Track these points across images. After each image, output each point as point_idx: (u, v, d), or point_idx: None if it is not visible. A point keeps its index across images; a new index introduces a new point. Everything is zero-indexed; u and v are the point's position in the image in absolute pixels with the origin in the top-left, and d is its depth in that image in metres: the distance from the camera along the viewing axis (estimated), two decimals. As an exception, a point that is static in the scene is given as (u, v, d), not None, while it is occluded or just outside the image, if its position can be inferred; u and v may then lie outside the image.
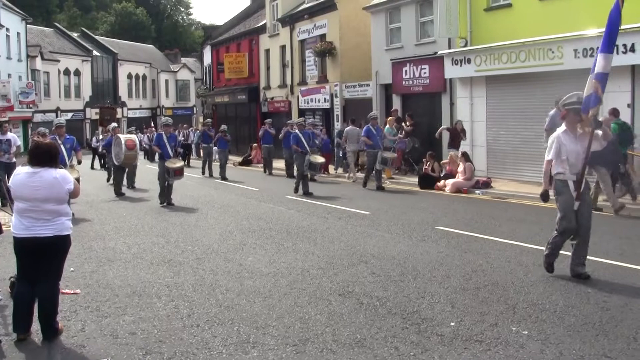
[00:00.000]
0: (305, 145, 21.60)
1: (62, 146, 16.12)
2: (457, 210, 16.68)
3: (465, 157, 21.44)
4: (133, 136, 24.28)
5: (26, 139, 46.81)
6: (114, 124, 27.88)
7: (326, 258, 11.12)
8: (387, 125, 26.11)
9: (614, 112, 16.77)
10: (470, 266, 10.22)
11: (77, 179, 11.81)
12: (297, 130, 22.49)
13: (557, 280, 9.20)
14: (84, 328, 7.65)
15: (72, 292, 9.16)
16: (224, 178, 27.65)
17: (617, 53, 18.12)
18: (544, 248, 10.20)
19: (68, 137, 17.24)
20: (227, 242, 12.89)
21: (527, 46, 21.07)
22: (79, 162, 17.66)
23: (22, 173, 7.23)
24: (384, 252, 11.51)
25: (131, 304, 8.59)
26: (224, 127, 31.64)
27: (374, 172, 22.09)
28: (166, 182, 19.06)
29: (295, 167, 23.62)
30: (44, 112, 58.02)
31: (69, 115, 58.36)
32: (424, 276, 9.64)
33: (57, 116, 57.39)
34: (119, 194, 21.75)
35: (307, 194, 20.58)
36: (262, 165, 32.80)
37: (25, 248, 7.17)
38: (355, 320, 7.69)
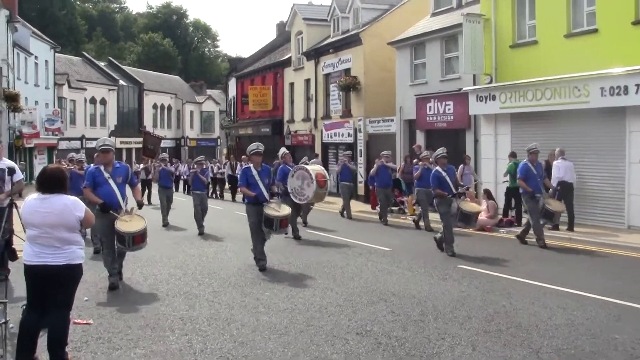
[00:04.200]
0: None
1: (110, 180, 11.45)
2: (480, 249, 16.39)
3: (488, 194, 21.19)
4: (322, 169, 20.27)
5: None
6: (284, 150, 21.91)
7: (345, 295, 10.90)
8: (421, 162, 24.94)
9: (513, 154, 21.22)
10: (493, 307, 9.96)
11: (143, 233, 11.37)
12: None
13: (583, 324, 8.91)
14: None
15: (84, 322, 9.05)
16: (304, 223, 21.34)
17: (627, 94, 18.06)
18: (568, 290, 9.93)
19: (118, 164, 11.94)
20: (245, 276, 12.72)
21: (553, 84, 20.85)
22: (140, 206, 11.95)
23: (32, 199, 7.15)
24: (405, 290, 11.27)
25: (144, 336, 8.43)
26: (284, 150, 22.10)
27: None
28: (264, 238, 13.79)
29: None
30: (69, 139, 58.51)
31: (94, 144, 58.57)
32: (445, 316, 9.40)
33: (82, 145, 58.20)
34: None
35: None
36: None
37: (35, 276, 7.06)
38: (372, 361, 7.48)
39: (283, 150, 21.26)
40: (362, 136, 33.55)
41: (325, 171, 20.25)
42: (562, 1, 21.07)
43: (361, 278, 12.41)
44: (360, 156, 33.43)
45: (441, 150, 16.14)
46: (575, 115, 20.56)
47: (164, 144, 72.83)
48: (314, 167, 19.79)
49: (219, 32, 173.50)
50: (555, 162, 19.83)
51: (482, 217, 20.36)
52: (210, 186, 35.09)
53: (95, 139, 56.24)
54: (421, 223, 20.56)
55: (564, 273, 12.74)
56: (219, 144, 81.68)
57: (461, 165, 22.48)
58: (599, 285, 11.62)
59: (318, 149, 37.27)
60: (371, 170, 23.24)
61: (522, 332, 8.57)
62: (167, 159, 25.56)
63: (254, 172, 13.58)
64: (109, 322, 9.16)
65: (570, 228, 18.76)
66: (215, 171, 37.66)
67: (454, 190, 15.54)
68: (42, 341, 7.19)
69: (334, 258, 14.85)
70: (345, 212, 24.65)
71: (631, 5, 18.90)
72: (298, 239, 18.00)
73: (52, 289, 7.06)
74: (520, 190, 17.18)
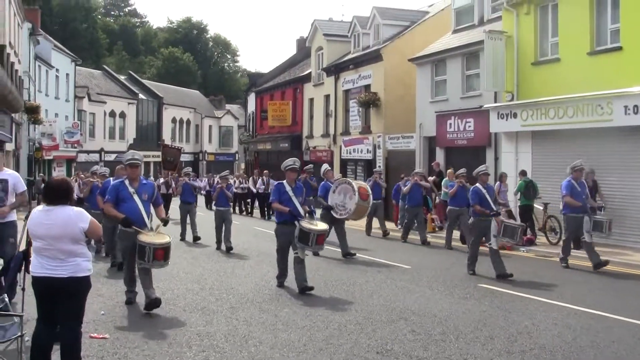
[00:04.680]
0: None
1: (135, 196, 10.81)
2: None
3: (509, 214, 20.96)
4: (365, 184, 19.90)
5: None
6: (327, 166, 20.80)
7: (364, 313, 10.74)
8: (447, 178, 24.00)
9: (523, 173, 22.02)
10: (515, 327, 9.77)
11: (166, 248, 10.54)
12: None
13: (609, 347, 8.72)
14: (110, 377, 7.38)
15: (100, 336, 8.94)
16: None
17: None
18: (591, 310, 9.72)
19: (145, 181, 11.44)
20: (263, 292, 12.59)
21: (575, 101, 20.66)
22: (165, 223, 11.02)
23: (37, 211, 7.10)
24: (425, 309, 11.09)
25: (160, 352, 8.31)
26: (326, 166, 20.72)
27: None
28: (300, 256, 12.74)
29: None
30: (87, 152, 58.80)
31: (112, 157, 58.76)
32: (467, 336, 9.22)
33: (100, 158, 58.44)
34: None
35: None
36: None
37: (41, 287, 7.01)
38: (393, 381, 7.32)
39: (325, 166, 20.39)
40: (381, 152, 33.40)
41: (368, 186, 19.70)
42: (586, 18, 20.92)
43: (380, 296, 12.25)
44: (383, 173, 33.25)
45: (484, 167, 15.69)
46: (598, 134, 20.38)
47: (183, 157, 73.50)
48: (357, 182, 19.40)
49: (239, 47, 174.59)
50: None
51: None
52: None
53: (115, 153, 56.42)
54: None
55: (588, 293, 12.54)
56: (237, 158, 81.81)
57: (497, 183, 22.04)
58: (623, 306, 11.41)
59: (337, 165, 37.17)
60: (404, 189, 22.53)
61: (546, 354, 8.39)
62: (191, 173, 24.83)
63: (288, 188, 12.90)
64: (125, 336, 9.05)
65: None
66: (236, 186, 37.36)
67: (494, 209, 14.80)
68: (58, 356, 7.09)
69: (353, 275, 14.68)
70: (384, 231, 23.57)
71: (656, 23, 18.74)
72: (352, 256, 17.65)
73: (60, 301, 6.98)
74: (563, 211, 16.29)
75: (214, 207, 21.63)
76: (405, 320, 10.20)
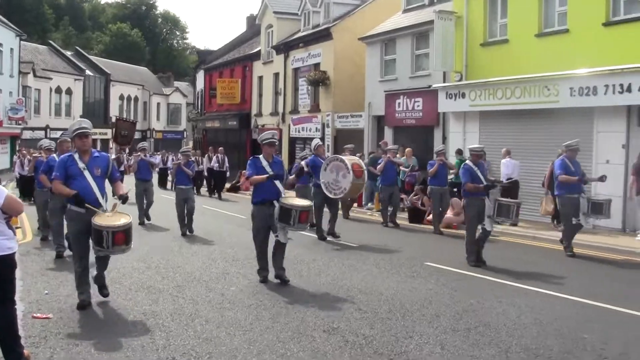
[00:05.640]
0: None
1: (86, 172, 9.35)
2: (446, 246, 16.35)
3: (451, 192, 21.03)
4: (358, 159, 18.19)
5: (12, 156, 46.37)
6: (318, 141, 19.19)
7: (311, 291, 10.73)
8: (405, 157, 24.04)
9: (459, 151, 22.45)
10: (461, 305, 9.84)
11: (126, 230, 9.07)
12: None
13: (552, 324, 8.83)
14: (52, 356, 7.27)
15: (43, 316, 8.79)
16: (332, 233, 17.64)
17: (613, 93, 18.06)
18: (536, 289, 9.83)
19: (97, 153, 9.79)
20: (210, 270, 12.50)
21: (523, 82, 20.87)
22: (124, 200, 9.46)
23: None
24: (372, 287, 11.11)
25: (105, 331, 8.19)
26: (317, 141, 19.08)
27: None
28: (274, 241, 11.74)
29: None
30: (32, 129, 57.63)
31: (58, 134, 57.60)
32: (413, 314, 9.26)
33: (46, 135, 57.31)
34: None
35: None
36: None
37: None
38: (339, 359, 7.31)
39: (317, 141, 18.87)
40: (329, 131, 33.45)
41: (362, 162, 18.29)
42: (534, 1, 21.12)
43: (328, 274, 12.25)
44: (328, 151, 33.23)
45: (479, 147, 14.41)
46: (545, 115, 20.63)
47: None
48: (350, 158, 17.83)
49: (188, 24, 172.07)
50: (503, 161, 20.77)
51: (448, 214, 20.27)
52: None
53: (61, 130, 55.46)
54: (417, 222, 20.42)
55: (531, 271, 12.68)
56: (185, 136, 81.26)
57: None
58: (567, 284, 11.57)
59: (285, 144, 37.10)
60: (377, 168, 20.74)
61: (491, 331, 8.46)
62: (147, 148, 23.25)
63: (265, 163, 11.54)
64: (69, 316, 8.90)
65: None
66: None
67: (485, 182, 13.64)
68: None
69: (301, 253, 14.63)
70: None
71: (602, 6, 18.99)
72: (323, 240, 16.81)
73: None
74: (557, 192, 15.24)
75: (175, 187, 20.45)
76: (352, 299, 10.21)
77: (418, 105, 26.96)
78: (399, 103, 27.99)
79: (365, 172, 17.51)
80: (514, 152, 21.03)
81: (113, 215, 9.18)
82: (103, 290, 9.83)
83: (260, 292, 10.58)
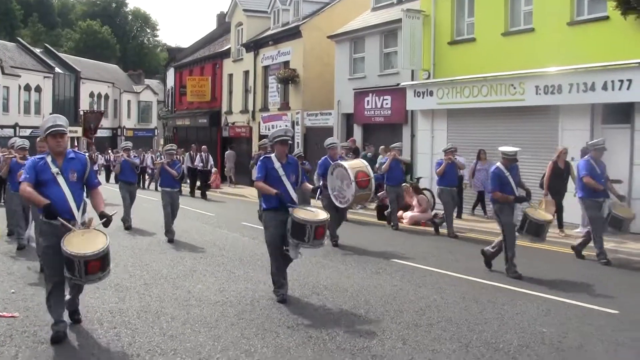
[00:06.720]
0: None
1: (59, 177, 7.85)
2: (413, 243, 16.46)
3: (416, 190, 21.14)
4: (364, 164, 14.76)
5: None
6: (333, 140, 17.09)
7: (277, 288, 10.82)
8: (381, 155, 23.03)
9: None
10: (424, 301, 10.00)
11: (102, 257, 7.66)
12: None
13: (512, 319, 9.00)
14: (17, 354, 7.30)
15: (9, 315, 8.79)
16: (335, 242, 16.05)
17: (578, 92, 18.32)
18: (498, 284, 9.96)
19: (74, 154, 8.23)
20: (178, 268, 12.56)
21: (489, 81, 21.11)
22: (106, 223, 8.13)
23: None
24: (337, 284, 11.24)
25: (71, 329, 8.21)
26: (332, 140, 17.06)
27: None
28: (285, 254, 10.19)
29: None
30: (1, 127, 57.16)
31: (28, 132, 57.38)
32: (377, 310, 9.40)
33: (15, 133, 56.77)
34: None
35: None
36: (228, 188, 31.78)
37: None
38: (302, 354, 7.43)
39: (331, 140, 16.96)
40: (299, 129, 33.50)
41: (369, 168, 14.80)
42: (500, 0, 21.34)
43: (294, 271, 12.28)
44: (297, 147, 33.34)
45: (512, 151, 12.47)
46: (511, 113, 20.86)
47: (101, 133, 72.28)
48: (354, 164, 14.95)
49: (159, 22, 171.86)
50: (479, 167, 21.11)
51: (415, 212, 20.45)
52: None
53: (30, 128, 54.89)
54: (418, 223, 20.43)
55: (497, 269, 12.80)
56: (156, 134, 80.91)
57: (474, 161, 21.31)
58: (528, 279, 11.75)
59: (255, 141, 37.10)
60: (383, 167, 19.41)
61: (453, 326, 8.61)
62: (131, 148, 20.70)
63: (277, 164, 10.00)
64: (35, 315, 8.91)
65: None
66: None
67: (517, 194, 12.36)
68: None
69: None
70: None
71: (566, 6, 19.27)
72: (336, 247, 15.58)
73: None
74: (579, 194, 14.09)
75: (159, 188, 19.56)
76: (317, 295, 10.34)
77: (387, 103, 27.13)
78: (368, 101, 28.15)
79: (373, 180, 14.66)
80: (475, 149, 21.30)
81: (88, 232, 7.78)
82: (74, 315, 8.59)
83: (227, 290, 10.66)
